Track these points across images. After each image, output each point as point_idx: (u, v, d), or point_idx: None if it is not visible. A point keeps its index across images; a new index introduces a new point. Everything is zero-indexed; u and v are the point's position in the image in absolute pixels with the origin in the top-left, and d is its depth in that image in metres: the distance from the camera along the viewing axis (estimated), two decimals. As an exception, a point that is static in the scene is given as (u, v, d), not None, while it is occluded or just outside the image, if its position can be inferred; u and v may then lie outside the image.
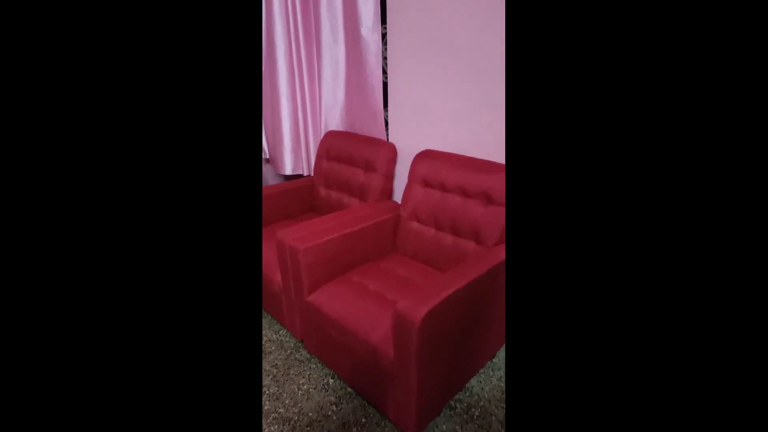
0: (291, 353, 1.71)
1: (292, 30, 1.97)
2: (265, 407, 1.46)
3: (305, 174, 2.30)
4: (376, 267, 1.64)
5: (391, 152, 1.88)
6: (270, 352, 1.72)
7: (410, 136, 1.87)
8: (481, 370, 1.60)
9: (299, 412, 1.44)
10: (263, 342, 1.77)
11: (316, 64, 2.04)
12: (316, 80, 2.07)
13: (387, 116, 1.92)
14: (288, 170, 2.25)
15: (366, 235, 1.64)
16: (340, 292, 1.46)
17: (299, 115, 2.15)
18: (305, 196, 2.16)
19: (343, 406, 1.46)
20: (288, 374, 1.60)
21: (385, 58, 1.82)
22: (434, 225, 1.65)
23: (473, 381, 1.56)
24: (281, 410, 1.44)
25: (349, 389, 1.52)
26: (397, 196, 2.00)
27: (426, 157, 1.71)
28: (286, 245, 1.49)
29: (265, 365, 1.64)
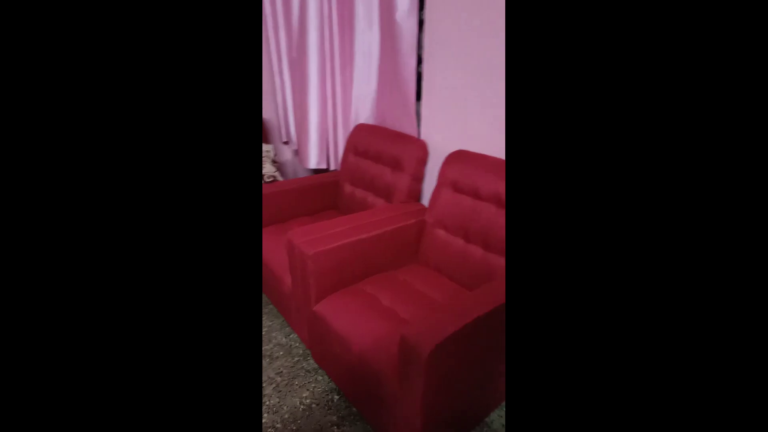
0: (298, 361, 1.60)
1: (326, 13, 1.84)
2: (263, 420, 1.36)
3: (332, 168, 2.18)
4: (394, 278, 1.48)
5: (421, 151, 1.70)
6: (277, 358, 1.62)
7: (444, 134, 1.68)
8: (504, 403, 1.41)
9: (296, 430, 1.32)
10: (271, 346, 1.68)
11: (348, 52, 1.90)
12: (348, 69, 1.93)
13: (420, 110, 1.74)
14: (312, 164, 2.14)
15: (385, 242, 1.49)
16: (350, 304, 1.32)
17: (328, 106, 2.03)
18: (330, 193, 2.04)
19: (345, 428, 1.33)
20: (292, 385, 1.49)
21: (421, 47, 1.64)
22: (463, 235, 1.47)
23: (494, 415, 1.37)
24: (278, 425, 1.34)
25: (354, 409, 1.39)
26: (426, 199, 1.82)
27: (459, 158, 1.52)
28: (295, 247, 1.36)
29: (270, 372, 1.54)
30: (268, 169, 1.93)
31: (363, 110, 1.98)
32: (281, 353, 1.64)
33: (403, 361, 0.99)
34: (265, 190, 1.80)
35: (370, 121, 2.00)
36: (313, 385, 1.49)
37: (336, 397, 1.44)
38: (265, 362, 1.59)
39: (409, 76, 1.68)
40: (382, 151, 1.78)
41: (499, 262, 1.35)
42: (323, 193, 2.01)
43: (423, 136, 1.77)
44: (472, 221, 1.43)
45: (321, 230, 1.43)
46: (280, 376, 1.53)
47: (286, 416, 1.37)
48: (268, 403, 1.42)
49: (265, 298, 1.96)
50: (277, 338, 1.72)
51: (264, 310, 1.89)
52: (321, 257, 1.32)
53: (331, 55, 1.92)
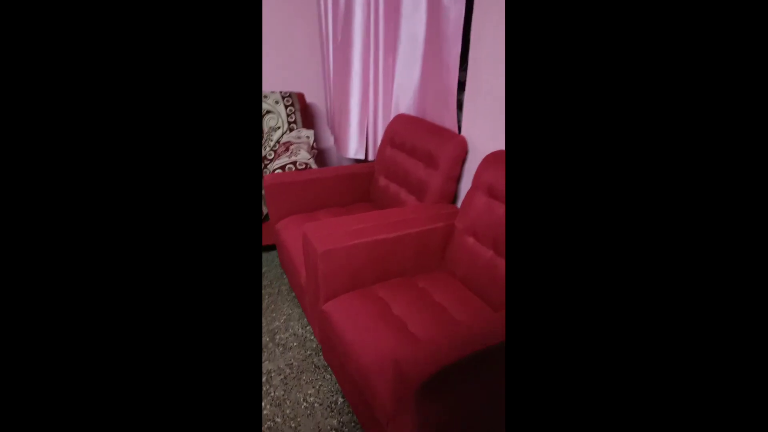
0: (310, 355, 1.57)
1: (373, -5, 1.74)
2: (264, 411, 1.34)
3: (370, 159, 2.09)
4: (412, 284, 1.38)
5: (459, 148, 1.56)
6: (290, 348, 1.60)
7: (487, 131, 1.52)
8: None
9: (295, 428, 1.29)
10: (287, 335, 1.66)
11: (393, 36, 1.78)
12: (392, 55, 1.81)
13: (463, 103, 1.59)
14: (351, 153, 2.07)
15: (407, 244, 1.38)
16: (360, 308, 1.24)
17: (370, 93, 1.93)
18: (364, 184, 1.96)
19: (343, 435, 1.27)
20: (299, 379, 1.46)
21: (469, 32, 1.48)
22: (493, 247, 1.32)
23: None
24: (278, 420, 1.31)
25: (355, 417, 1.33)
26: (462, 201, 1.68)
27: (498, 160, 1.36)
28: (308, 242, 1.31)
29: (281, 362, 1.53)
30: (302, 156, 1.89)
31: (404, 99, 1.86)
32: (295, 344, 1.62)
33: (395, 388, 0.90)
34: (292, 177, 1.77)
35: (411, 112, 1.88)
36: (320, 383, 1.45)
37: (340, 399, 1.39)
38: (278, 351, 1.58)
39: (452, 63, 1.53)
40: (417, 145, 1.66)
41: (529, 281, 1.19)
42: (357, 184, 1.94)
43: (464, 132, 1.62)
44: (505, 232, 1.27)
45: (339, 226, 1.36)
46: (290, 368, 1.51)
47: (288, 411, 1.34)
48: (273, 394, 1.40)
49: (288, 285, 1.95)
50: (294, 328, 1.70)
51: (287, 297, 1.88)
52: (333, 255, 1.26)
53: (375, 39, 1.81)
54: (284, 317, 1.76)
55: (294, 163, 1.83)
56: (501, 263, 1.28)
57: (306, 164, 1.86)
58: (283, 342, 1.63)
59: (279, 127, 2.25)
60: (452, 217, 1.48)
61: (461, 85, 1.58)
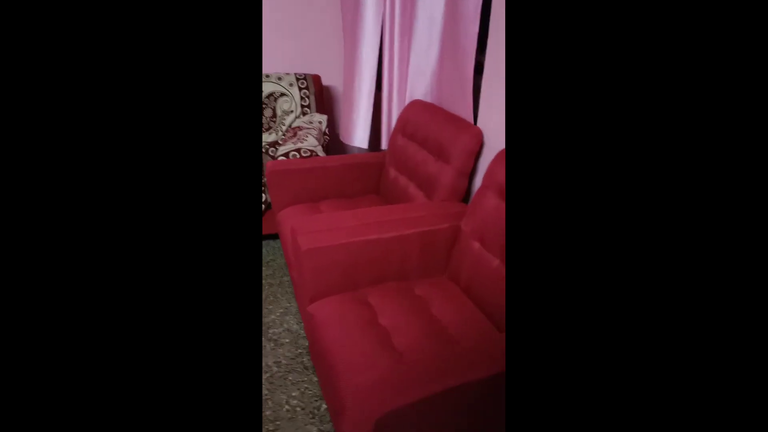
0: (300, 354, 1.49)
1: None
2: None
3: (383, 148, 1.96)
4: (409, 291, 1.25)
5: (473, 140, 1.39)
6: (282, 345, 1.53)
7: (504, 123, 1.34)
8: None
9: (273, 431, 1.22)
10: (281, 330, 1.59)
11: (409, 15, 1.62)
12: (407, 36, 1.66)
13: (481, 90, 1.42)
14: (356, 141, 1.94)
15: (405, 246, 1.26)
16: (346, 313, 1.14)
17: (384, 77, 1.79)
18: (373, 175, 1.84)
19: (321, 446, 1.19)
20: (285, 380, 1.39)
21: (489, 14, 1.30)
22: (501, 255, 1.17)
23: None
24: (257, 422, 1.24)
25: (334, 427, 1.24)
26: (475, 199, 1.52)
27: (512, 156, 1.20)
28: (295, 238, 1.21)
29: (269, 360, 1.46)
30: (309, 142, 1.79)
31: (420, 85, 1.71)
32: (287, 341, 1.55)
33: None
34: (295, 165, 1.67)
35: (428, 98, 1.73)
36: (305, 385, 1.37)
37: (323, 406, 1.30)
38: (269, 347, 1.51)
39: (469, 45, 1.36)
40: (429, 136, 1.51)
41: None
42: (366, 175, 1.82)
43: (480, 123, 1.45)
44: (512, 239, 1.12)
45: (331, 222, 1.25)
46: (277, 367, 1.44)
47: (268, 413, 1.27)
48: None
49: (290, 277, 1.88)
50: (290, 323, 1.63)
51: (288, 290, 1.81)
52: (318, 254, 1.15)
53: (391, 19, 1.66)
54: (281, 310, 1.69)
55: (299, 150, 1.73)
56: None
57: (312, 151, 1.76)
58: (275, 337, 1.56)
59: (292, 111, 2.16)
60: (460, 218, 1.33)
61: (480, 70, 1.41)
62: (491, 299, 1.17)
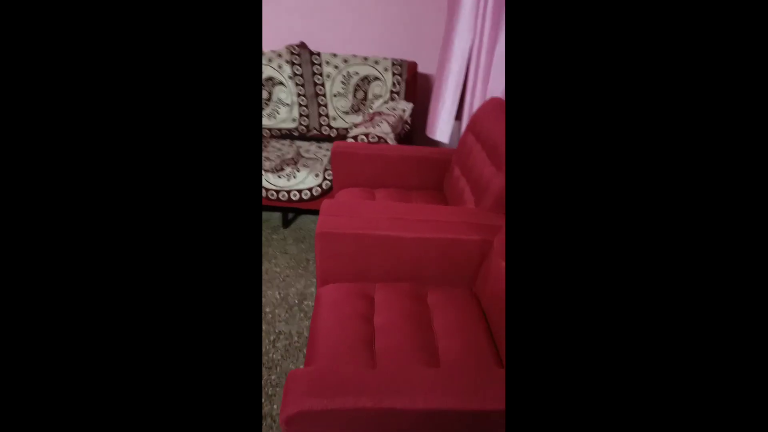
0: (321, 331, 1.53)
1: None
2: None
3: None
4: (421, 295, 1.18)
5: (534, 149, 1.21)
6: (310, 318, 1.59)
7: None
8: None
9: (270, 396, 1.29)
10: (313, 304, 1.66)
11: (501, 3, 1.46)
12: (497, 27, 1.50)
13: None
14: (436, 134, 1.86)
15: (421, 250, 1.18)
16: (344, 302, 1.13)
17: (471, 70, 1.67)
18: (438, 171, 1.75)
19: None
20: (300, 351, 1.45)
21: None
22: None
23: None
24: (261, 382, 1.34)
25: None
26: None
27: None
28: (320, 219, 1.23)
29: (293, 329, 1.54)
30: (381, 128, 1.78)
31: (499, 83, 1.54)
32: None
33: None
34: (358, 149, 1.69)
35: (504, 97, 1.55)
36: (314, 361, 1.41)
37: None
38: (298, 317, 1.60)
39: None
40: (489, 136, 1.37)
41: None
42: (429, 170, 1.74)
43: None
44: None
45: (358, 209, 1.24)
46: (298, 337, 1.51)
47: (273, 377, 1.36)
48: (270, 356, 1.43)
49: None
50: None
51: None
52: (331, 239, 1.16)
53: (484, 7, 1.52)
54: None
55: (367, 134, 1.74)
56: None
57: (381, 138, 1.75)
58: (306, 309, 1.64)
59: (381, 96, 2.17)
60: (495, 232, 1.19)
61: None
62: (504, 325, 1.03)
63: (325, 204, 1.26)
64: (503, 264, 1.09)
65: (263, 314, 1.60)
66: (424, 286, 1.23)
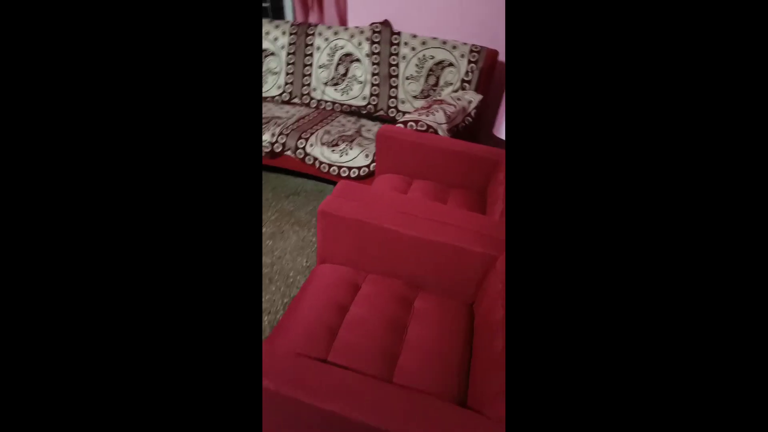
0: (330, 307, 1.56)
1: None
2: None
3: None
4: (408, 297, 1.12)
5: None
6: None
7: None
8: None
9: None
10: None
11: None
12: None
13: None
14: (501, 132, 1.71)
15: (417, 250, 1.11)
16: (329, 285, 1.13)
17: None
18: (484, 171, 1.61)
19: None
20: (303, 319, 1.51)
21: None
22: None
23: None
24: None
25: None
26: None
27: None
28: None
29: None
30: (434, 118, 1.69)
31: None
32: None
33: None
34: (403, 135, 1.63)
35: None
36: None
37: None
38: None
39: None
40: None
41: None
42: (475, 169, 1.62)
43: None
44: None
45: (369, 197, 1.21)
46: (307, 307, 1.56)
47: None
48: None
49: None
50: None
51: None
52: (330, 219, 1.15)
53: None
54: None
55: (417, 121, 1.67)
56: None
57: (430, 127, 1.67)
58: (324, 283, 1.68)
59: (451, 84, 2.05)
60: (502, 246, 1.06)
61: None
62: (485, 352, 0.93)
63: (340, 184, 1.25)
64: (502, 287, 0.98)
65: (293, 279, 1.68)
66: (417, 288, 1.16)
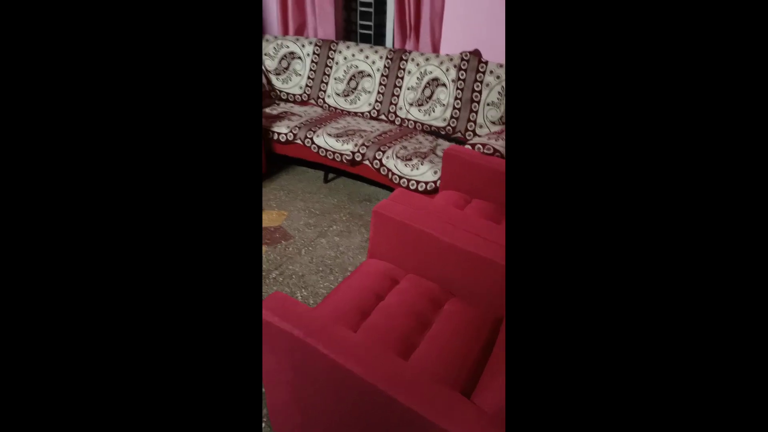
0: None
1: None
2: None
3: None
4: (438, 298, 1.22)
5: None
6: (376, 289, 1.78)
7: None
8: None
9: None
10: (386, 280, 1.84)
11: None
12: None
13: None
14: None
15: (451, 258, 1.20)
16: (372, 276, 1.28)
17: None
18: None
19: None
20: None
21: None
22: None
23: None
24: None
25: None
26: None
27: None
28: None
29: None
30: (502, 143, 1.75)
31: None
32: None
33: None
34: (467, 156, 1.72)
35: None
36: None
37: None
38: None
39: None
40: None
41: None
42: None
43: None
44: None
45: (420, 204, 1.34)
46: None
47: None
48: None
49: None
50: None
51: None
52: (381, 219, 1.30)
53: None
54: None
55: (484, 145, 1.76)
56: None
57: (497, 151, 1.75)
58: (377, 281, 1.83)
59: (529, 113, 2.10)
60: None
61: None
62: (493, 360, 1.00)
63: (397, 191, 1.41)
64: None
65: (349, 272, 1.87)
66: (450, 293, 1.25)
